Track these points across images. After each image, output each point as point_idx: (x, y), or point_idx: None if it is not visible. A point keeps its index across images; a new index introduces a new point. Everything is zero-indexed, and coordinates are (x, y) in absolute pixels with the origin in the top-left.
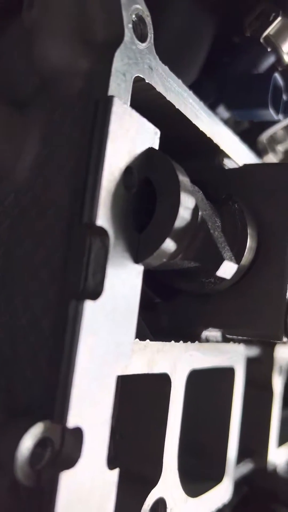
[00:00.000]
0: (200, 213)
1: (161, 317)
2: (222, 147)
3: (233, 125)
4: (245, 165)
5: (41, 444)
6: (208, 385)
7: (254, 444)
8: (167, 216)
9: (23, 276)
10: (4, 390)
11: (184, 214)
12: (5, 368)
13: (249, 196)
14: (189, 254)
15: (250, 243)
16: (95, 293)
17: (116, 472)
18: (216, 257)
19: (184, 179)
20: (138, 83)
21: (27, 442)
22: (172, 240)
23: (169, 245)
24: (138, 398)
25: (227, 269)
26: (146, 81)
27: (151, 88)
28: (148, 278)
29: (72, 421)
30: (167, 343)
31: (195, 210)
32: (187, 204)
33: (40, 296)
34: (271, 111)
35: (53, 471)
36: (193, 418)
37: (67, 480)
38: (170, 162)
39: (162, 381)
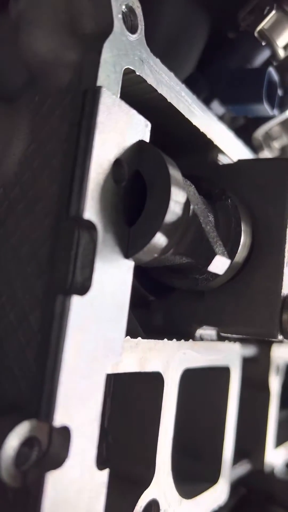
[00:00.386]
0: (191, 207)
1: (154, 315)
2: (216, 142)
3: (228, 121)
4: (239, 161)
5: (27, 444)
6: (202, 385)
7: (251, 445)
8: (158, 210)
9: (10, 271)
10: None
11: (174, 208)
12: None
13: (243, 192)
14: (181, 249)
15: (244, 239)
16: (83, 288)
17: (105, 472)
18: (208, 251)
19: (175, 172)
20: (129, 75)
21: (13, 441)
22: (163, 234)
23: (160, 239)
24: (131, 398)
25: (220, 264)
26: (137, 73)
27: (142, 80)
28: (141, 275)
29: (59, 420)
30: (160, 341)
31: (186, 204)
32: (177, 198)
33: (27, 291)
34: (266, 106)
35: (40, 472)
36: (188, 418)
37: (54, 480)
38: (160, 154)
39: (154, 380)
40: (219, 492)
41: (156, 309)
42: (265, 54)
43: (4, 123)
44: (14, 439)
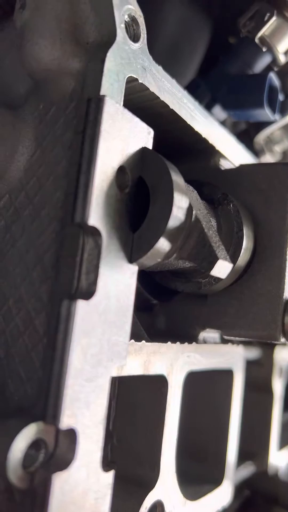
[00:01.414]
0: (194, 212)
1: (157, 319)
2: (218, 147)
3: (230, 126)
4: (240, 165)
5: (34, 446)
6: (206, 387)
7: (254, 447)
8: (161, 216)
9: (16, 276)
10: None
11: (177, 213)
12: None
13: (245, 196)
14: (184, 253)
15: (246, 243)
16: (88, 293)
17: (111, 474)
18: (210, 256)
19: (177, 178)
20: (132, 83)
21: (20, 444)
22: (166, 239)
23: (163, 244)
24: (135, 400)
25: (222, 268)
26: (140, 81)
27: (144, 88)
28: (145, 279)
29: (65, 423)
30: (164, 344)
31: (189, 210)
32: (180, 203)
33: (32, 295)
34: (267, 111)
35: (46, 473)
36: (192, 421)
37: (61, 482)
38: (163, 161)
39: (158, 383)
40: (223, 494)
41: (159, 313)
42: (266, 60)
43: (9, 130)
44: (22, 441)
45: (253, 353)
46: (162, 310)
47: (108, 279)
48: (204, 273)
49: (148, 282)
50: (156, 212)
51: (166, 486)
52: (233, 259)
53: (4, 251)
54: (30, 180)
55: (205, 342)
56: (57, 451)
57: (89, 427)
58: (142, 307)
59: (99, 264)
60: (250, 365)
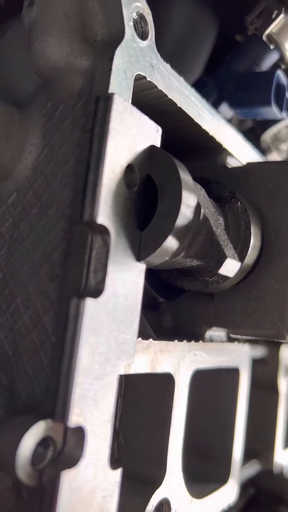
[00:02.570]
0: (202, 210)
1: (164, 317)
2: (225, 145)
3: (237, 124)
4: (248, 163)
5: (42, 443)
6: (212, 386)
7: (260, 445)
8: (169, 214)
9: (24, 274)
10: (5, 389)
11: (185, 211)
12: (6, 367)
13: (253, 194)
14: (191, 252)
15: (253, 241)
16: (97, 291)
17: (119, 472)
18: (218, 254)
19: (185, 176)
20: (140, 81)
21: (29, 441)
22: (174, 237)
23: (171, 243)
24: (142, 398)
25: (230, 267)
26: (148, 79)
27: (152, 86)
28: (151, 277)
29: (74, 420)
30: (171, 342)
31: (197, 208)
32: (188, 201)
33: (40, 294)
34: (274, 109)
35: (55, 471)
36: (198, 419)
37: (69, 479)
38: (171, 159)
39: (165, 381)
40: (229, 492)
41: (166, 311)
42: (273, 58)
43: (17, 128)
44: (30, 438)
45: (259, 351)
46: (169, 309)
47: (116, 277)
48: (212, 271)
49: (155, 280)
50: (164, 210)
51: (173, 484)
52: (241, 257)
53: (12, 249)
54: (38, 178)
55: (211, 340)
56: (65, 449)
57: (97, 425)
58: (148, 306)
59: (107, 262)
60: (255, 363)
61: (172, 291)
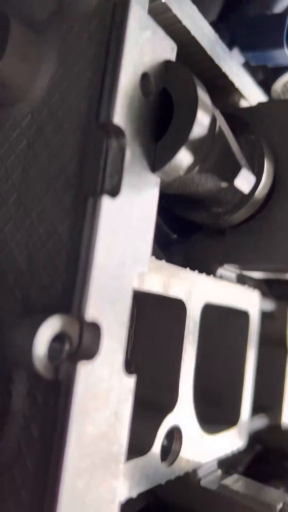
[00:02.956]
0: (217, 123)
1: (175, 257)
2: (236, 85)
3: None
4: (259, 103)
5: (58, 339)
6: (222, 330)
7: (268, 401)
8: (184, 124)
9: (38, 190)
10: (20, 303)
11: (201, 120)
12: (21, 280)
13: (264, 132)
14: (207, 165)
15: (267, 168)
16: (113, 191)
17: (133, 379)
18: (234, 165)
19: (201, 90)
20: (155, 2)
21: (45, 332)
22: (189, 149)
23: (186, 154)
24: (154, 325)
25: (246, 179)
26: (163, 0)
27: (167, 9)
28: (165, 214)
29: (90, 315)
30: (183, 269)
31: (213, 120)
32: (204, 113)
33: (55, 205)
34: (287, 51)
35: (71, 365)
36: (208, 364)
37: (85, 373)
38: (189, 72)
39: (177, 308)
40: (238, 435)
41: (177, 252)
42: (285, 1)
43: (32, 49)
44: (47, 330)
45: (267, 305)
46: (180, 250)
47: (132, 185)
48: (223, 202)
49: (168, 217)
50: (180, 121)
51: (184, 413)
52: (253, 188)
53: (27, 168)
54: (53, 97)
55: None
56: (81, 344)
57: (113, 325)
58: (160, 243)
59: (123, 167)
60: (264, 318)
61: (184, 230)
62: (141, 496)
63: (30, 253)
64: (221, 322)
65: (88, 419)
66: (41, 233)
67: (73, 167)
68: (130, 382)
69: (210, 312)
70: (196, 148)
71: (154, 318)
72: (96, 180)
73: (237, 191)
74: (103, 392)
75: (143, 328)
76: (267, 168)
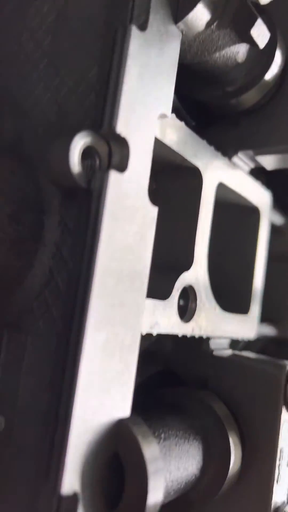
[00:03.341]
0: None
1: None
2: None
3: None
4: None
5: (89, 155)
6: (233, 227)
7: (276, 314)
8: None
9: (68, 51)
10: None
11: None
12: (51, 131)
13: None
14: (224, 21)
15: (280, 53)
16: (141, 26)
17: (155, 209)
18: (250, 16)
19: None
20: None
21: (79, 141)
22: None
23: (205, 6)
24: (172, 194)
25: (261, 30)
26: None
27: None
28: (185, 103)
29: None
30: (204, 140)
31: None
32: None
33: (84, 56)
34: None
35: (103, 173)
36: (219, 261)
37: (115, 181)
38: None
39: (194, 176)
40: (249, 324)
41: None
42: None
43: None
44: (81, 139)
45: (276, 218)
46: None
47: (157, 32)
48: (237, 78)
49: (188, 106)
50: None
51: (199, 276)
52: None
53: (57, 34)
54: None
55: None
56: (112, 159)
57: (140, 140)
58: None
59: (149, 8)
60: (272, 233)
61: (202, 121)
62: (152, 363)
63: (60, 104)
64: (232, 222)
65: (117, 225)
66: (71, 85)
67: (103, 18)
68: (153, 211)
69: (222, 209)
70: (214, 2)
71: (172, 186)
72: (125, 13)
73: (250, 68)
74: (130, 208)
75: (161, 199)
76: (280, 47)
